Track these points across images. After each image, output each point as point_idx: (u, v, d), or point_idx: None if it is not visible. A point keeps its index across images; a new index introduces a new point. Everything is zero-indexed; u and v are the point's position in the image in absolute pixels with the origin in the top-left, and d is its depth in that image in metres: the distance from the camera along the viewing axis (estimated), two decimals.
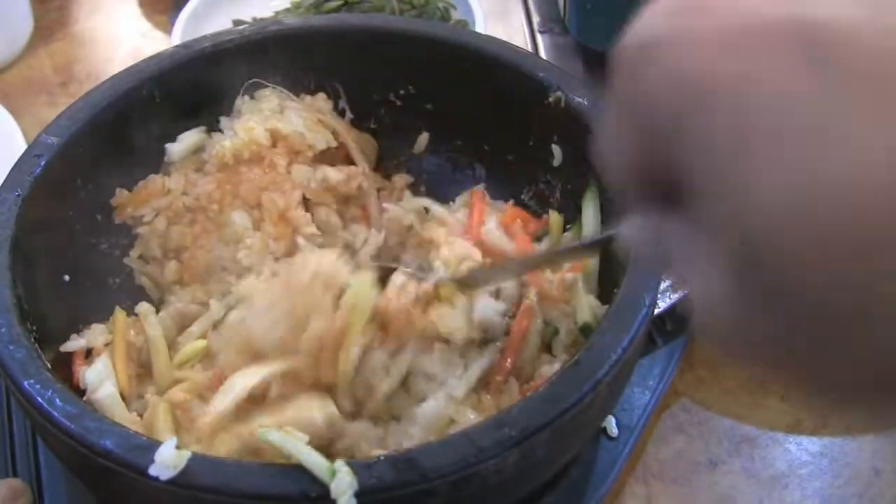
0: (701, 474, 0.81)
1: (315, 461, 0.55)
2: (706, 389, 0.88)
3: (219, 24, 1.18)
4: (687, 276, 0.35)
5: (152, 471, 0.55)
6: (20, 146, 1.00)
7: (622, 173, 0.39)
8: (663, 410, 0.85)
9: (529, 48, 1.26)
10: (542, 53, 1.24)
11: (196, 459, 0.55)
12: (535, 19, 1.30)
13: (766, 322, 0.32)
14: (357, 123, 0.92)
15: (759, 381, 0.88)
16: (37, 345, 0.66)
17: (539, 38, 1.27)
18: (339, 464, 0.55)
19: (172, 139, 0.85)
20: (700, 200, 0.32)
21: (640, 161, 0.37)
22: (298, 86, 0.89)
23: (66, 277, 0.78)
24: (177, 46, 0.85)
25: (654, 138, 0.34)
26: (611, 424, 0.77)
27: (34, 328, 0.69)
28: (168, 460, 0.55)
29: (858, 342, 0.29)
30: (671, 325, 0.84)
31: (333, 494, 0.54)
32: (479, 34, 0.86)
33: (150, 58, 0.83)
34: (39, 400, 0.60)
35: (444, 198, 0.90)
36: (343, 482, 0.54)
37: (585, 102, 0.77)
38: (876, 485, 0.81)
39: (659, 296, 0.76)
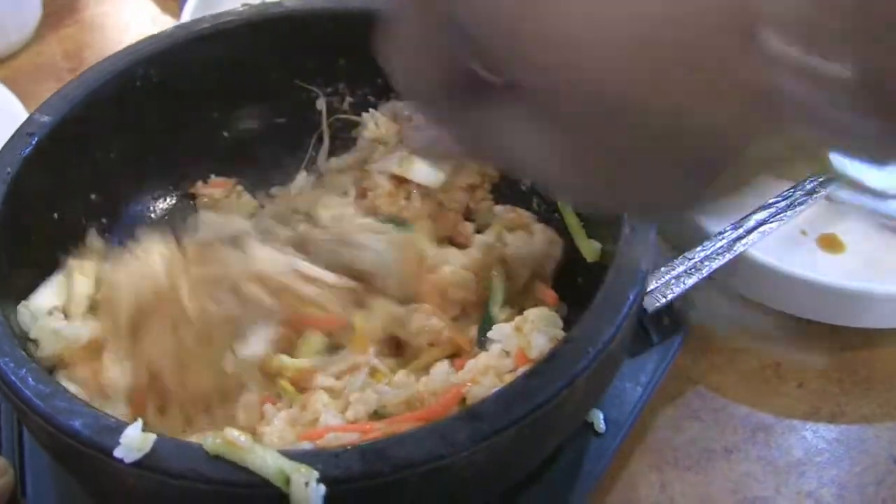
0: (716, 462, 0.80)
1: (267, 469, 0.54)
2: (721, 376, 0.86)
3: (229, 7, 1.17)
4: (513, 152, 0.38)
5: (118, 453, 0.54)
6: None
7: (420, 75, 0.41)
8: (677, 398, 0.84)
9: None
10: None
11: (162, 442, 0.55)
12: None
13: (596, 151, 0.36)
14: (357, 107, 0.91)
15: (774, 367, 0.87)
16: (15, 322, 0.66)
17: None
18: (293, 465, 0.53)
19: (170, 121, 0.85)
20: (506, 70, 0.36)
21: (436, 55, 0.39)
22: (298, 68, 0.88)
23: (55, 256, 0.77)
24: (175, 27, 0.85)
25: (444, 24, 0.37)
26: (598, 419, 0.76)
27: (17, 307, 0.69)
28: (134, 443, 0.54)
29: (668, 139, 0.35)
30: (668, 321, 0.84)
31: (294, 500, 0.53)
32: None
33: (148, 38, 0.83)
34: (12, 378, 0.59)
35: None
36: (299, 485, 0.53)
37: None
38: (894, 472, 0.79)
39: (656, 293, 0.75)
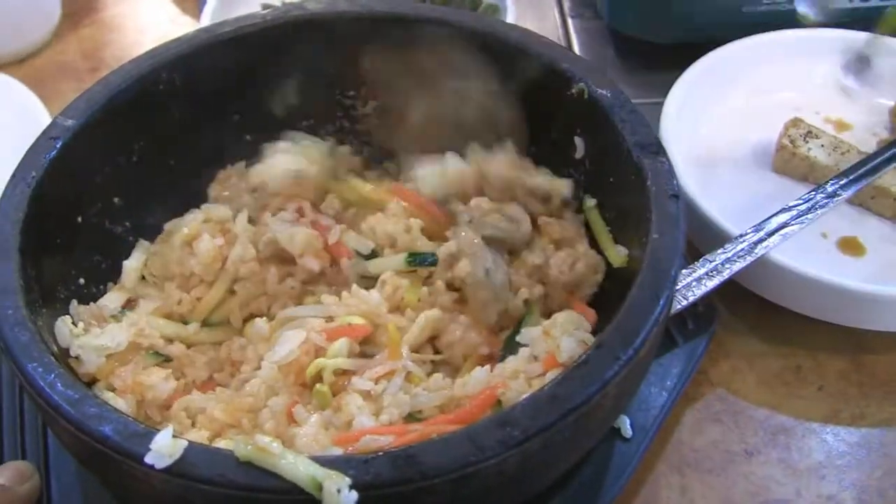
0: (737, 464, 0.80)
1: (299, 475, 0.54)
2: (742, 379, 0.87)
3: (248, 8, 1.17)
4: None
5: (148, 459, 0.54)
6: None
7: None
8: (698, 400, 0.84)
9: (560, 33, 1.25)
10: (573, 38, 1.23)
11: (192, 449, 0.55)
12: (567, 3, 1.29)
13: None
14: (379, 111, 0.91)
15: (795, 370, 0.87)
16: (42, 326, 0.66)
17: (570, 22, 1.26)
18: (324, 472, 0.53)
19: (193, 124, 0.85)
20: None
21: None
22: (320, 72, 0.88)
23: (79, 260, 0.78)
24: (198, 30, 0.84)
25: None
26: (625, 425, 0.76)
27: (41, 310, 0.69)
28: (164, 449, 0.54)
29: None
30: (693, 324, 0.83)
31: None
32: (505, 23, 0.85)
33: (170, 42, 0.82)
34: (41, 383, 0.59)
35: None
36: (331, 493, 0.53)
37: (608, 94, 0.75)
38: None
39: (677, 295, 0.74)
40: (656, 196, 0.68)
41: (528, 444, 0.55)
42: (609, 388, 0.58)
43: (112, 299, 0.79)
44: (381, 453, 0.55)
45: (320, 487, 0.53)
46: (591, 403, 0.57)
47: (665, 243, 0.65)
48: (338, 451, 0.62)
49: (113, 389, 0.72)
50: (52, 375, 0.60)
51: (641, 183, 0.70)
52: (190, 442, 0.55)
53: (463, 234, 0.78)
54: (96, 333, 0.73)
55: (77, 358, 0.71)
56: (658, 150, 0.71)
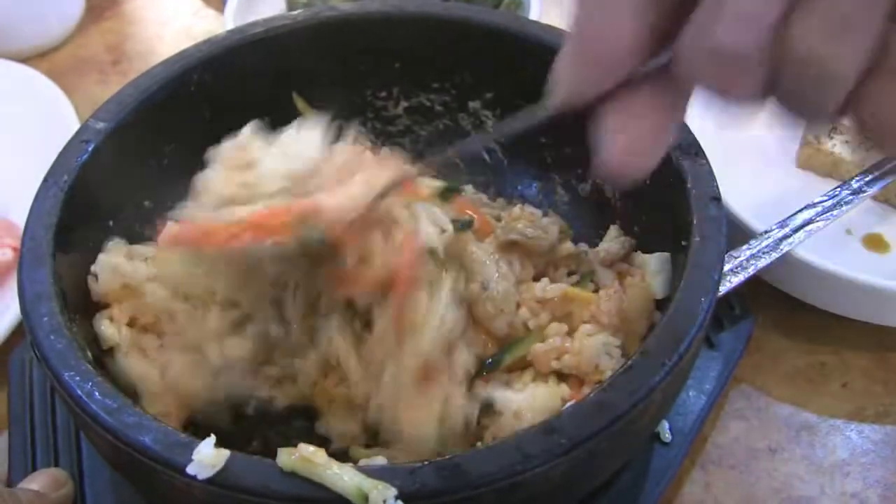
0: (760, 461, 0.80)
1: (344, 486, 0.53)
2: (766, 375, 0.86)
3: (272, 2, 1.17)
4: None
5: (190, 469, 0.54)
6: (73, 124, 1.01)
7: None
8: (722, 397, 0.83)
9: None
10: None
11: (235, 459, 0.54)
12: None
13: None
14: (411, 111, 0.91)
15: (819, 367, 0.87)
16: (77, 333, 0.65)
17: None
18: (370, 483, 0.53)
19: (223, 126, 0.84)
20: None
21: None
22: (352, 72, 0.87)
23: None
24: (229, 31, 0.84)
25: None
26: (664, 430, 0.75)
27: (76, 316, 0.68)
28: (207, 459, 0.54)
29: None
30: (730, 326, 0.83)
31: None
32: (539, 23, 0.83)
33: (201, 43, 0.82)
34: (78, 392, 0.59)
35: (501, 190, 0.89)
36: (377, 503, 0.52)
37: None
38: None
39: None
40: (697, 198, 0.67)
41: (574, 452, 0.55)
42: (655, 395, 0.57)
43: None
44: (426, 462, 0.54)
45: (366, 498, 0.52)
46: (636, 411, 0.56)
47: (707, 247, 0.64)
48: (382, 460, 0.61)
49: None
50: (90, 384, 0.59)
51: (681, 185, 0.68)
52: (233, 452, 0.54)
53: (473, 250, 0.76)
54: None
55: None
56: (698, 151, 0.70)
